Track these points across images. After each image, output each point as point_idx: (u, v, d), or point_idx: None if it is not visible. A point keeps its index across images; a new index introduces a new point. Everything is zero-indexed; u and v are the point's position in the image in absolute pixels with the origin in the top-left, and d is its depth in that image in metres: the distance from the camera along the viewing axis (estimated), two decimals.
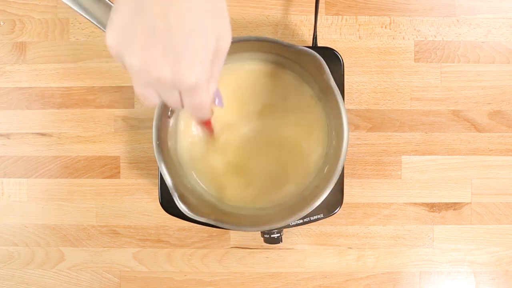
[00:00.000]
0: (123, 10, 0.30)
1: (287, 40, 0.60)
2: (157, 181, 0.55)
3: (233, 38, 0.35)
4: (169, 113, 0.51)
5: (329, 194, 0.47)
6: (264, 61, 0.53)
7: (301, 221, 0.53)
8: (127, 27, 0.30)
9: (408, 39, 0.61)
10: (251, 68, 0.53)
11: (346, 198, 0.59)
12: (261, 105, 0.54)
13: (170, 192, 0.47)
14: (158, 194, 0.54)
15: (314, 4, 0.60)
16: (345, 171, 0.60)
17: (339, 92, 0.47)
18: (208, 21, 0.30)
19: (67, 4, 0.44)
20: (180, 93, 0.33)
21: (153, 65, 0.30)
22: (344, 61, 0.53)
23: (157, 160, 0.48)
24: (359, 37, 0.61)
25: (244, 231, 0.52)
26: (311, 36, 0.60)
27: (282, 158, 0.54)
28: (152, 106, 0.36)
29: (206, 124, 0.47)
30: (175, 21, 0.29)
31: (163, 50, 0.30)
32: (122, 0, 0.30)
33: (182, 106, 0.34)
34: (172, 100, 0.33)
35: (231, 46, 0.34)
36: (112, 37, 0.31)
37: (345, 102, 0.60)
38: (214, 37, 0.31)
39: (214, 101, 0.39)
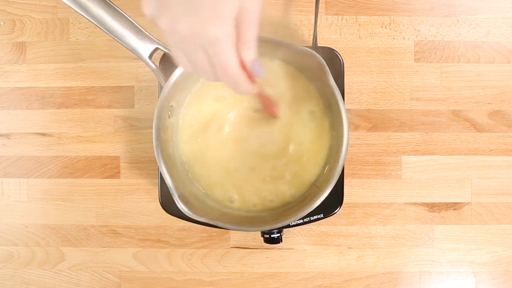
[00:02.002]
0: None
1: (287, 40, 0.60)
2: (157, 181, 0.55)
3: None
4: (169, 113, 0.51)
5: (329, 194, 0.47)
6: (270, 58, 0.52)
7: (301, 221, 0.53)
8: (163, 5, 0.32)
9: (408, 39, 0.61)
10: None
11: (346, 198, 0.59)
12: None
13: (170, 192, 0.47)
14: (158, 194, 0.54)
15: (314, 4, 0.60)
16: (345, 171, 0.60)
17: (339, 92, 0.47)
18: None
19: (67, 4, 0.44)
20: (207, 56, 0.33)
21: (176, 21, 0.32)
22: (344, 61, 0.53)
23: (157, 160, 0.48)
24: (359, 37, 0.61)
25: (244, 231, 0.52)
26: (311, 36, 0.60)
27: (283, 159, 0.54)
28: (188, 72, 0.36)
29: (267, 106, 0.46)
30: None
31: (186, 5, 0.31)
32: None
33: (214, 75, 0.35)
34: (200, 63, 0.34)
35: None
36: (147, 6, 0.33)
37: (345, 102, 0.60)
38: None
39: (254, 71, 0.37)
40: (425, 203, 0.61)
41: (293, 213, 0.48)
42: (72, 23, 0.61)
